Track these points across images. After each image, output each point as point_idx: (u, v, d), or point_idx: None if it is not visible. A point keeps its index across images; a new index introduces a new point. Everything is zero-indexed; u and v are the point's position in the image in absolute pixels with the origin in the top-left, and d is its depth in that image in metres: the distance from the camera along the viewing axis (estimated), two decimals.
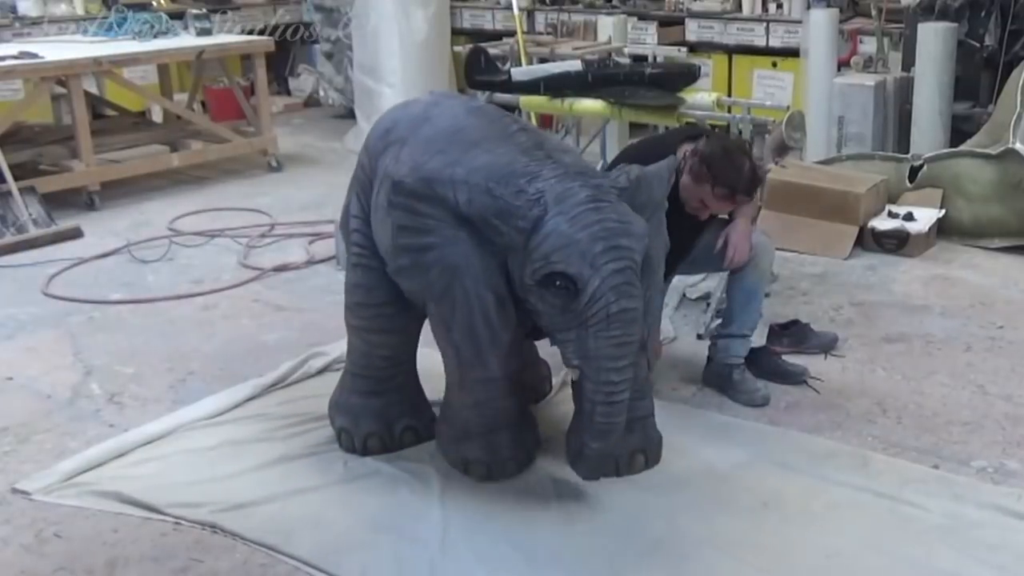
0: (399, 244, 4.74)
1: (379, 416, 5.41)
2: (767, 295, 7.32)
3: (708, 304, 7.01)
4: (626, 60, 8.79)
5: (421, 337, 5.40)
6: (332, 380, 6.11)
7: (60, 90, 10.43)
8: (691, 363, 6.41)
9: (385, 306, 5.16)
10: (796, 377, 6.14)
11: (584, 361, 4.49)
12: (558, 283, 4.42)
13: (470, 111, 5.09)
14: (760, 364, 6.21)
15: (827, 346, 6.55)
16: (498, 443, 5.07)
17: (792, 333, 6.55)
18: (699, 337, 6.75)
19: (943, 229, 8.37)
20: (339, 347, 6.45)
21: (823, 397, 6.00)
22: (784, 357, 6.30)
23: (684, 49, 9.94)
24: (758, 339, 6.44)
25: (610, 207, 4.48)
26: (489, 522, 4.81)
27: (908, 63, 9.90)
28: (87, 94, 10.57)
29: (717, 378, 6.07)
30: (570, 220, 4.40)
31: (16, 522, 4.92)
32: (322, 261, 8.38)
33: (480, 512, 4.87)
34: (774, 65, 11.85)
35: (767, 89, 11.69)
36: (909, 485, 5.04)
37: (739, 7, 12.25)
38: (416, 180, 4.64)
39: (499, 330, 4.66)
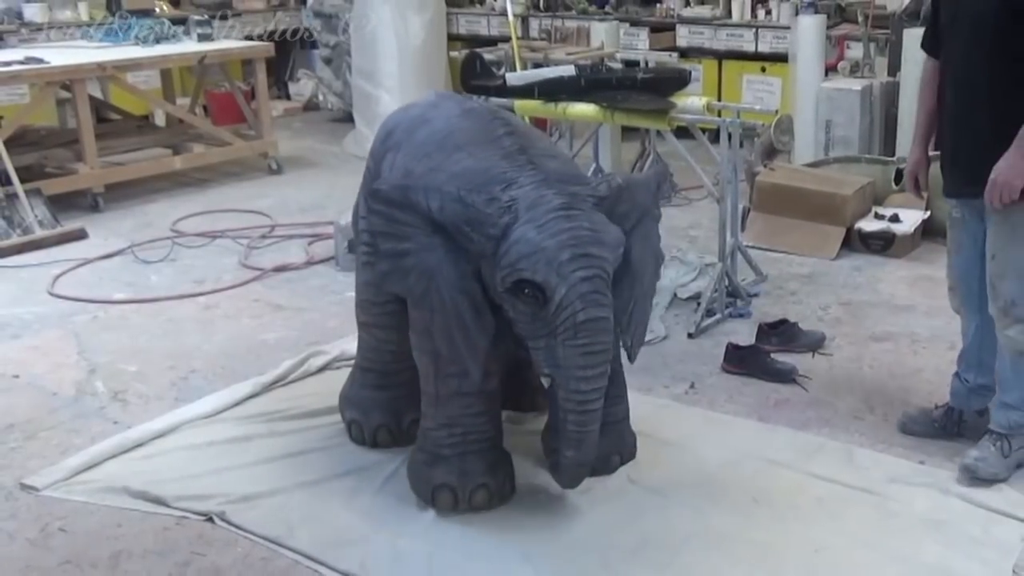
0: (381, 250, 4.67)
1: (388, 409, 5.38)
2: (755, 295, 7.36)
3: (699, 304, 7.01)
4: (618, 65, 8.78)
5: None
6: (332, 378, 6.17)
7: (65, 94, 10.45)
8: (683, 361, 6.42)
9: (390, 303, 5.10)
10: (785, 375, 6.14)
11: (555, 370, 4.39)
12: (527, 291, 4.34)
13: (464, 113, 5.00)
14: (750, 362, 6.22)
15: (815, 345, 6.56)
16: (468, 468, 4.84)
17: (781, 332, 6.56)
18: (690, 336, 6.76)
19: (928, 230, 8.37)
20: (338, 346, 6.49)
21: (811, 395, 6.00)
22: (773, 355, 6.30)
23: (675, 54, 9.90)
24: (747, 338, 6.48)
25: (582, 215, 4.37)
26: (485, 517, 4.80)
27: (894, 68, 9.92)
28: (91, 98, 10.55)
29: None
30: (538, 228, 4.31)
31: (22, 517, 4.92)
32: (321, 262, 8.38)
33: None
34: (763, 70, 11.88)
35: (756, 93, 11.73)
36: (895, 480, 5.05)
37: (729, 13, 12.30)
38: (391, 187, 4.61)
39: (476, 336, 4.57)
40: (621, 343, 4.83)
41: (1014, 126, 4.59)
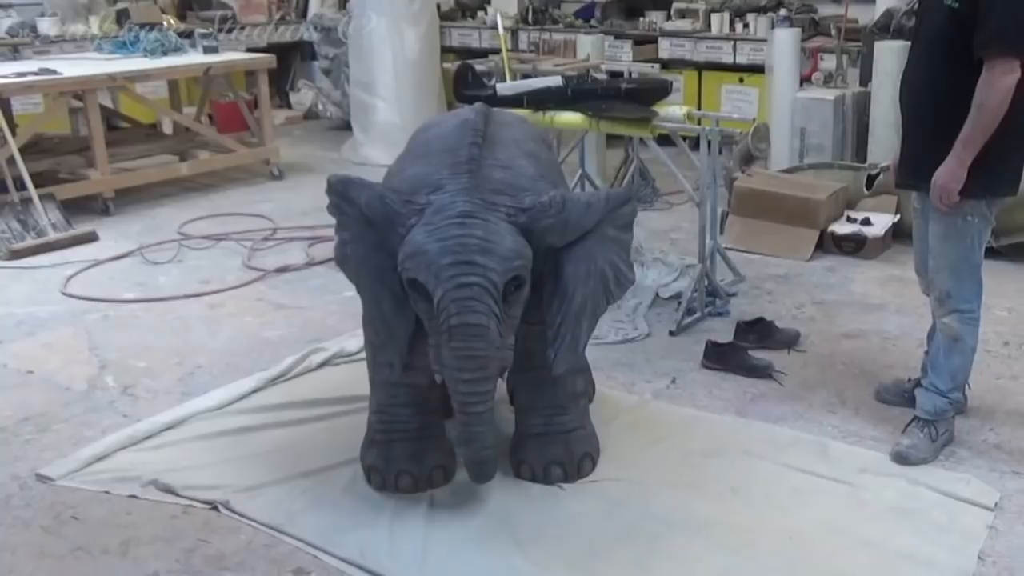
0: (337, 237, 4.84)
1: None
2: (733, 294, 7.37)
3: (680, 303, 7.03)
4: (603, 76, 8.77)
5: None
6: (331, 373, 6.22)
7: (77, 104, 10.40)
8: (665, 358, 6.43)
9: None
10: (761, 371, 6.15)
11: (440, 368, 4.40)
12: (418, 290, 4.37)
13: (458, 124, 4.92)
14: (728, 359, 6.23)
15: (790, 342, 6.57)
16: (394, 454, 4.92)
17: (758, 330, 6.57)
18: (671, 333, 6.77)
19: (898, 233, 8.39)
20: (338, 343, 6.51)
21: (786, 390, 6.01)
22: (751, 352, 6.31)
23: (657, 66, 9.89)
24: (726, 336, 6.50)
25: (480, 224, 4.34)
26: (477, 505, 4.82)
27: (865, 79, 9.92)
28: (102, 107, 10.55)
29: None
30: (429, 231, 4.33)
31: (36, 505, 4.92)
32: (321, 263, 8.37)
33: (468, 495, 4.87)
34: (741, 81, 11.90)
35: (734, 103, 11.74)
36: (866, 471, 5.06)
37: (708, 27, 12.32)
38: (337, 180, 4.69)
39: (395, 327, 4.63)
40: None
41: (952, 129, 4.79)
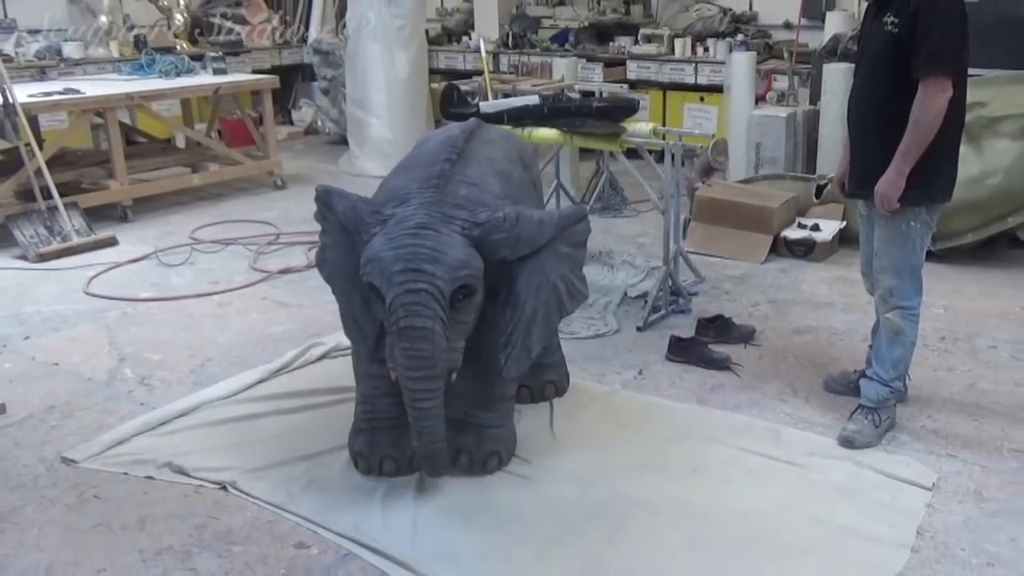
0: (320, 241, 4.86)
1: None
2: (695, 294, 7.37)
3: (646, 301, 7.03)
4: (576, 95, 8.77)
5: None
6: (330, 366, 6.20)
7: (98, 120, 10.38)
8: (632, 351, 6.43)
9: None
10: (720, 363, 6.16)
11: (394, 366, 4.38)
12: (375, 293, 4.37)
13: (444, 141, 4.91)
14: (690, 352, 6.23)
15: (746, 337, 6.58)
16: (377, 441, 4.91)
17: (717, 326, 6.57)
18: (638, 329, 6.77)
19: (844, 238, 8.41)
20: (335, 338, 6.48)
21: (743, 380, 6.01)
22: (710, 346, 6.32)
23: (626, 86, 9.91)
24: (688, 331, 6.50)
25: (433, 236, 4.31)
26: (462, 486, 4.82)
27: (815, 98, 9.93)
28: (121, 124, 10.51)
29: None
30: (386, 240, 4.32)
31: (61, 485, 4.91)
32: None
33: (455, 477, 4.86)
34: (701, 99, 11.91)
35: (696, 119, 11.75)
36: (815, 454, 5.07)
37: (672, 50, 12.33)
38: (322, 191, 4.70)
39: (364, 325, 4.67)
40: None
41: (894, 143, 4.86)
